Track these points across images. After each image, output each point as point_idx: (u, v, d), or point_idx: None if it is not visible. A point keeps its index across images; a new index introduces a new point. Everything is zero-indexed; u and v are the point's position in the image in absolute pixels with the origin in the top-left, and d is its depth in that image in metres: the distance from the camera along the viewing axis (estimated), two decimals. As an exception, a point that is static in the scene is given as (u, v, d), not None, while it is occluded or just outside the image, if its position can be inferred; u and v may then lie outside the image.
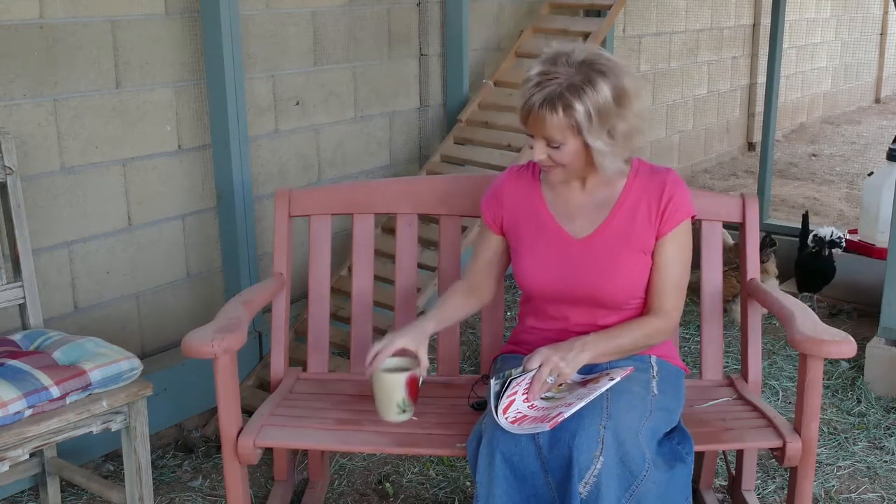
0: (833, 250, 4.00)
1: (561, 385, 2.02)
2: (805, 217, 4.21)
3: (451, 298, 2.25)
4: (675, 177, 2.13)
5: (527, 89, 1.96)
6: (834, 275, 3.99)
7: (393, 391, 2.06)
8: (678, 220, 2.08)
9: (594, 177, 2.10)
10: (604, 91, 1.93)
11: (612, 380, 1.94)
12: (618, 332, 2.06)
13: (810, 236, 4.03)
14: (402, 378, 2.06)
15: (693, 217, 2.13)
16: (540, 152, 2.00)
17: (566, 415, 1.84)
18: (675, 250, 2.09)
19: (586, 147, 1.98)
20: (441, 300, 2.26)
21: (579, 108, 1.92)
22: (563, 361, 1.95)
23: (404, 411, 2.08)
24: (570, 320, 2.13)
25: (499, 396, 1.93)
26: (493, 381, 1.98)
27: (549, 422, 1.83)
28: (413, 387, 2.07)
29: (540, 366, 1.95)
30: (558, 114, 1.93)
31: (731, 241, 3.68)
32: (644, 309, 2.12)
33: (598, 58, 1.97)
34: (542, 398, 1.97)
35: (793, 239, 4.21)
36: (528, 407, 1.93)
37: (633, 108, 1.99)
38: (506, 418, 1.89)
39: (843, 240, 4.03)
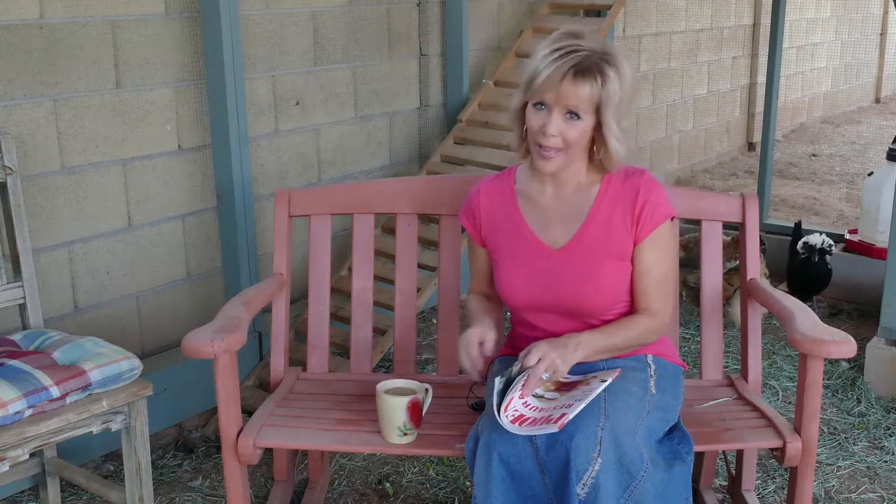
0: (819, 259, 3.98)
1: (548, 384, 2.02)
2: (797, 226, 4.17)
3: (483, 302, 2.23)
4: (650, 179, 2.09)
5: (553, 58, 1.93)
6: (829, 278, 3.97)
7: (394, 414, 2.06)
8: (654, 224, 2.05)
9: (569, 182, 2.09)
10: (628, 74, 1.97)
11: (604, 382, 1.94)
12: (611, 331, 2.05)
13: (800, 242, 4.02)
14: (403, 402, 2.05)
15: (672, 217, 2.11)
16: (556, 126, 1.95)
17: (570, 416, 1.83)
18: (654, 254, 2.06)
19: (595, 130, 1.98)
20: (477, 310, 2.20)
21: (613, 82, 1.93)
22: (560, 360, 1.94)
23: (405, 434, 2.08)
24: (556, 328, 2.10)
25: (502, 395, 1.92)
26: (497, 380, 1.97)
27: (556, 423, 1.82)
28: (415, 411, 2.07)
29: (538, 361, 1.94)
30: (594, 84, 1.92)
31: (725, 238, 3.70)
32: (632, 309, 2.11)
33: (611, 47, 2.00)
34: (533, 396, 1.96)
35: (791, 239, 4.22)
36: (524, 405, 1.93)
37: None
38: (506, 417, 1.88)
39: (833, 247, 3.97)
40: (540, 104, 1.97)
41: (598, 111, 1.95)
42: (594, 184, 2.09)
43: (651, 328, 2.08)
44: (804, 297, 4.00)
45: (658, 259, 2.07)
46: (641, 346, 2.11)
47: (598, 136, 2.00)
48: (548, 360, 1.93)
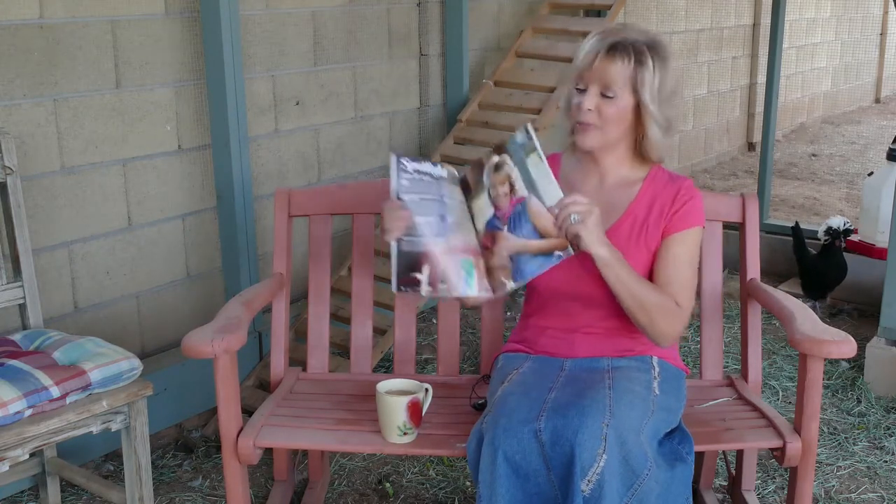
0: (841, 246, 3.95)
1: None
2: (797, 228, 4.14)
3: None
4: (692, 186, 2.13)
5: (596, 40, 2.00)
6: (846, 270, 3.92)
7: (394, 414, 2.06)
8: (688, 224, 2.08)
9: (612, 174, 2.10)
10: (671, 66, 2.01)
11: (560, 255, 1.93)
12: (640, 278, 2.01)
13: (821, 228, 3.98)
14: (403, 402, 2.06)
15: (702, 227, 2.12)
16: (590, 102, 2.00)
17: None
18: (684, 251, 2.08)
19: (634, 112, 2.01)
20: None
21: (649, 64, 1.98)
22: (593, 217, 1.90)
23: (405, 433, 2.08)
24: (576, 318, 2.12)
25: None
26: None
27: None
28: (415, 411, 2.07)
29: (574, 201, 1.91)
30: (628, 61, 1.97)
31: None
32: None
33: (657, 37, 2.04)
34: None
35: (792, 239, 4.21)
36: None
37: (678, 103, 2.05)
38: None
39: (851, 227, 3.95)
40: (579, 87, 2.03)
41: (636, 91, 1.99)
42: (637, 182, 2.13)
43: (673, 311, 2.02)
44: (821, 293, 3.96)
45: (686, 257, 2.08)
46: (652, 322, 2.01)
47: (638, 120, 2.03)
48: (585, 206, 1.89)
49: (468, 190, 2.06)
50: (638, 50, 1.99)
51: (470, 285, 1.98)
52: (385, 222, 2.00)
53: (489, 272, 2.00)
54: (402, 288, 1.99)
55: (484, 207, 2.02)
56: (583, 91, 2.03)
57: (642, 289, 2.00)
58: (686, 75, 6.39)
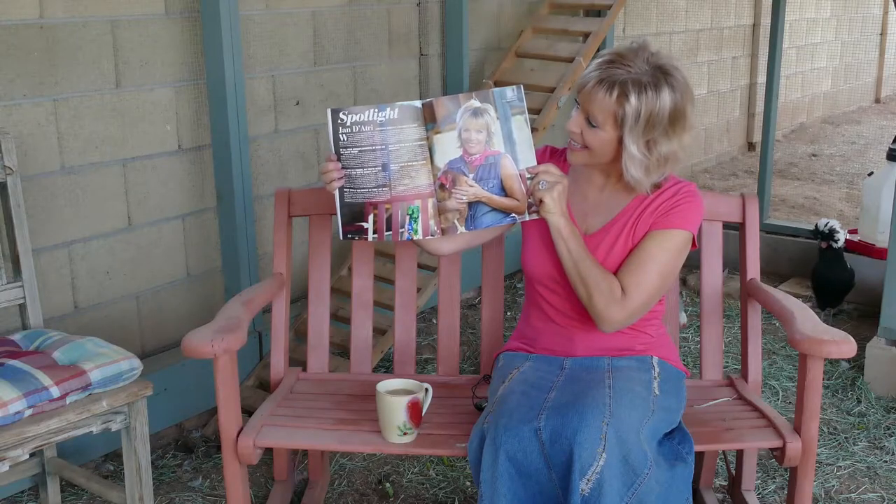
0: (838, 249, 3.91)
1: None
2: (817, 232, 4.09)
3: None
4: (693, 191, 2.11)
5: (595, 63, 2.00)
6: (853, 278, 3.86)
7: (394, 414, 2.07)
8: (673, 224, 2.06)
9: (616, 178, 2.10)
10: (664, 101, 1.96)
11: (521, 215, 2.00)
12: (591, 258, 2.03)
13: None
14: (403, 402, 2.06)
15: (693, 236, 2.09)
16: (576, 124, 2.03)
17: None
18: (658, 252, 2.05)
19: (620, 144, 2.00)
20: None
21: (633, 102, 1.95)
22: (560, 187, 1.96)
23: (405, 433, 2.08)
24: (571, 312, 2.13)
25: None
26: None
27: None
28: (415, 411, 2.07)
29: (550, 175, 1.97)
30: (610, 96, 1.95)
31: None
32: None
33: (675, 71, 2.00)
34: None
35: (796, 239, 4.20)
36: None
37: (683, 137, 2.02)
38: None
39: (838, 234, 3.85)
40: (577, 101, 2.05)
41: (619, 126, 1.98)
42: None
43: (610, 294, 2.01)
44: (823, 298, 3.94)
45: (655, 256, 2.05)
46: (588, 297, 2.02)
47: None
48: (557, 177, 1.96)
49: (432, 119, 2.01)
50: (624, 86, 1.94)
51: (414, 230, 2.02)
52: (323, 178, 2.05)
53: (441, 211, 2.02)
54: (349, 235, 2.05)
55: (450, 145, 2.01)
56: (577, 107, 2.04)
57: (587, 265, 2.01)
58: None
